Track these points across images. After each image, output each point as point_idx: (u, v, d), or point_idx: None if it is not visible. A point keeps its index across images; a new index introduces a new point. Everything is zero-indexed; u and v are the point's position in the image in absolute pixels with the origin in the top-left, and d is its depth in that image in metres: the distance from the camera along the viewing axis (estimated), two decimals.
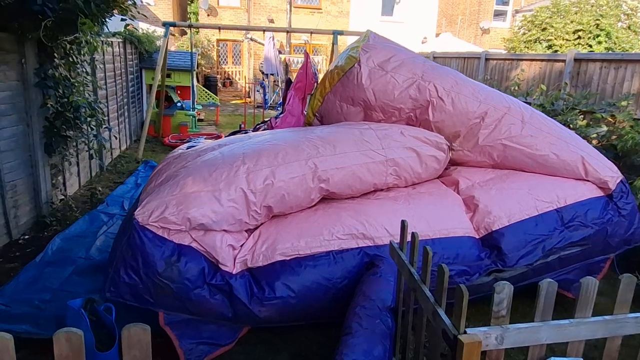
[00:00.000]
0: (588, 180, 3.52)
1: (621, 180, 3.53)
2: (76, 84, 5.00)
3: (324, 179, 3.12)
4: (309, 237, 2.96)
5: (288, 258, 2.88)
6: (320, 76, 6.43)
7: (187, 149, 3.86)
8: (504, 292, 1.71)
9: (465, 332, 1.63)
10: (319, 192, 3.17)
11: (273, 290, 2.76)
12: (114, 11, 5.01)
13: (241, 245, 2.95)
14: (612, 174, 3.53)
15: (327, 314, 2.95)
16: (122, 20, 5.27)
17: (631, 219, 3.49)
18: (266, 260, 2.87)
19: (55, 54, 4.75)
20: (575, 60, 6.65)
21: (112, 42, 7.35)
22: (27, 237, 4.51)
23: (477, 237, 3.28)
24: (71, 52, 4.89)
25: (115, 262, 2.70)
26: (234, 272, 2.81)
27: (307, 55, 7.41)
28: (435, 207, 3.30)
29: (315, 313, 2.94)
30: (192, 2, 28.01)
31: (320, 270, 2.87)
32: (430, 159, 3.51)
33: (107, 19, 4.90)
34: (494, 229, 3.25)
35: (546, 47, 12.09)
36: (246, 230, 3.05)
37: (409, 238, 2.35)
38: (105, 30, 5.25)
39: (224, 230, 2.87)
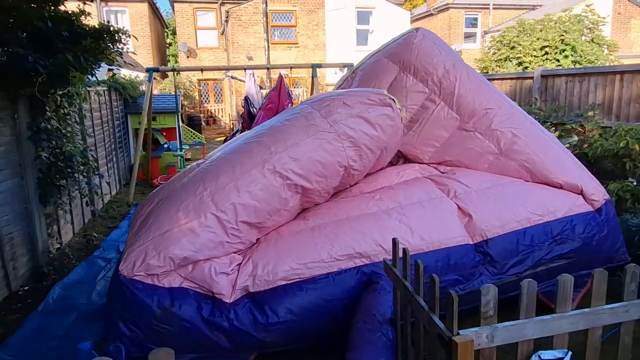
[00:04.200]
0: (579, 194, 3.75)
1: (608, 200, 3.78)
2: (67, 135, 5.14)
3: (286, 176, 3.17)
4: (309, 260, 3.05)
5: (290, 282, 2.97)
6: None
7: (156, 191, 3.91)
8: (490, 293, 1.88)
9: (458, 334, 1.78)
10: (289, 189, 3.20)
11: (276, 314, 2.85)
12: (101, 62, 5.22)
13: (234, 268, 2.99)
14: (599, 190, 3.79)
15: (329, 334, 3.03)
16: (110, 70, 5.48)
17: (614, 237, 3.71)
18: (268, 285, 2.95)
19: (47, 107, 4.89)
20: (543, 76, 7.02)
21: (98, 90, 7.55)
22: (26, 288, 4.54)
23: (472, 242, 3.41)
24: (62, 104, 5.04)
25: (113, 319, 2.80)
26: (232, 300, 2.87)
27: (281, 78, 7.56)
28: (428, 220, 3.41)
29: (317, 334, 3.02)
30: (170, 45, 28.57)
31: (321, 292, 2.98)
32: (380, 118, 3.50)
33: (95, 70, 5.10)
34: (489, 237, 3.42)
35: (516, 64, 12.62)
36: (238, 253, 3.10)
37: (400, 254, 2.51)
38: (93, 79, 5.43)
39: (210, 259, 2.94)
